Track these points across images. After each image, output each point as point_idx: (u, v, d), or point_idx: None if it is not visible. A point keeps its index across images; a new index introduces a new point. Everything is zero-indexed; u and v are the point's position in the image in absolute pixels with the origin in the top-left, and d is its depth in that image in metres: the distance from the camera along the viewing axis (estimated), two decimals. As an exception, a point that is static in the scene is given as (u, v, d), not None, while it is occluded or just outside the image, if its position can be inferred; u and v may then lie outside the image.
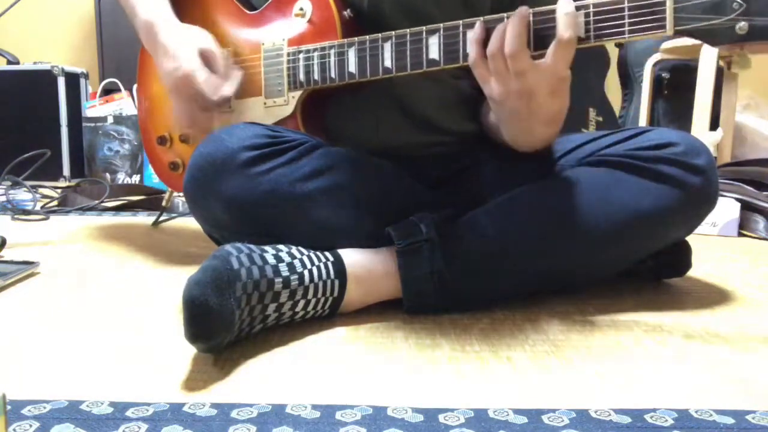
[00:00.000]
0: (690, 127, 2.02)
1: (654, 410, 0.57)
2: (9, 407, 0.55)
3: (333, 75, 0.92)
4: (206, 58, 0.95)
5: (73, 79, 2.34)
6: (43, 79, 2.27)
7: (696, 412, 0.57)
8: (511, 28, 0.75)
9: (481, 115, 1.03)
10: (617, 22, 0.74)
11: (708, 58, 1.95)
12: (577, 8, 0.75)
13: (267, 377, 0.64)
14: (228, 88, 0.95)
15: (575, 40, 0.75)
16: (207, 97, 0.93)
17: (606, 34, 0.75)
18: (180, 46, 0.94)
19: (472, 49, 0.79)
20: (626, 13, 0.74)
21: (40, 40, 2.75)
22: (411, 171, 0.95)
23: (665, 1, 0.72)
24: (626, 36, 0.74)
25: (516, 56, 0.75)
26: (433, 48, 0.84)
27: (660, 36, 0.74)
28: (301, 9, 0.95)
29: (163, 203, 1.36)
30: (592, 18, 0.75)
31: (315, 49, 0.93)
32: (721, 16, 0.70)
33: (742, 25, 0.69)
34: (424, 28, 0.84)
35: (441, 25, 0.83)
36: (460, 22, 0.82)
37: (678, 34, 0.73)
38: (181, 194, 1.43)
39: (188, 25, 0.98)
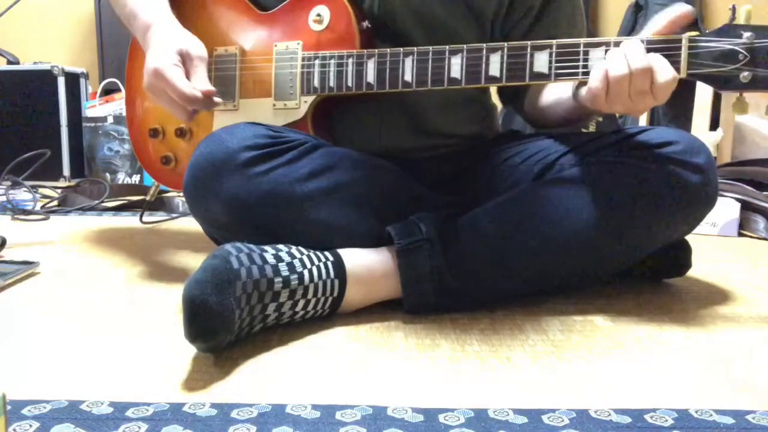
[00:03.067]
0: (690, 127, 2.02)
1: (654, 410, 0.57)
2: (9, 407, 0.55)
3: (350, 84, 0.92)
4: (184, 59, 0.90)
5: (73, 79, 2.34)
6: (43, 79, 2.26)
7: (696, 412, 0.57)
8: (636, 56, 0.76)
9: (525, 102, 1.05)
10: None
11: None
12: (593, 45, 0.79)
13: (267, 377, 0.64)
14: (194, 94, 0.86)
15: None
16: (175, 93, 0.87)
17: None
18: (162, 43, 0.91)
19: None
20: None
21: (40, 40, 2.75)
22: (411, 171, 0.95)
23: (681, 46, 0.77)
24: None
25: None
26: (455, 68, 0.86)
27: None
28: (319, 15, 0.95)
29: (147, 197, 1.32)
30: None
31: (332, 57, 0.93)
32: (729, 64, 0.76)
33: (746, 75, 0.76)
34: (447, 47, 0.86)
35: (464, 46, 0.86)
36: (484, 45, 0.84)
37: (690, 77, 0.78)
38: (171, 190, 1.42)
39: (183, 29, 0.94)
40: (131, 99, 1.17)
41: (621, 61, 0.76)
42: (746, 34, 0.75)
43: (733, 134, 2.04)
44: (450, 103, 1.01)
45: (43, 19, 2.75)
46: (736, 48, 0.76)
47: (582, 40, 0.81)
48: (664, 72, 0.75)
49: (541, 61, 0.83)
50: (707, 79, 0.78)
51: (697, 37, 0.77)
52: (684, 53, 0.77)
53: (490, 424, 0.54)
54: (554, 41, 0.82)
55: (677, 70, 0.77)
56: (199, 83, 0.88)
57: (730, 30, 0.76)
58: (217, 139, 0.84)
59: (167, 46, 0.90)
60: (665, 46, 0.77)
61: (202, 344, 0.66)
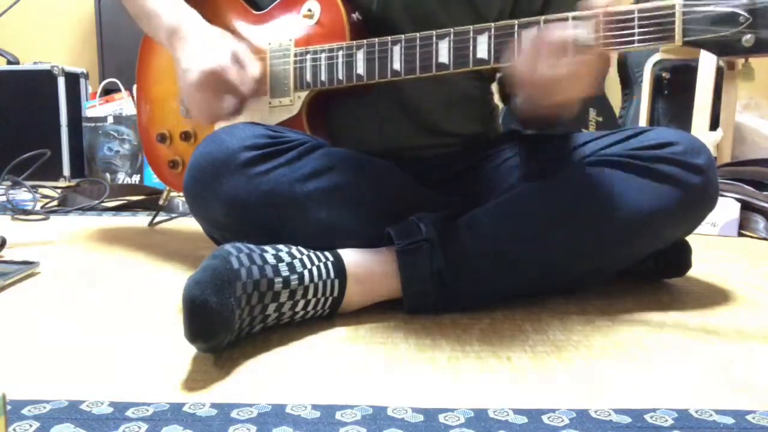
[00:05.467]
0: (690, 127, 2.02)
1: (654, 410, 0.57)
2: (9, 407, 0.55)
3: (340, 76, 0.92)
4: (236, 58, 0.91)
5: (73, 79, 2.34)
6: (43, 79, 2.27)
7: (696, 412, 0.57)
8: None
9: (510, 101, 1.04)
10: (627, 32, 0.75)
11: (708, 58, 1.95)
12: (589, 17, 0.76)
13: (267, 377, 0.64)
14: (256, 83, 0.92)
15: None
16: (238, 90, 0.90)
17: (615, 43, 0.76)
18: (212, 45, 0.91)
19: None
20: (636, 23, 0.74)
21: (40, 40, 2.75)
22: (412, 171, 0.95)
23: (674, 13, 0.73)
24: (635, 45, 0.75)
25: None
26: (443, 52, 0.85)
27: (669, 46, 0.76)
28: (310, 10, 0.95)
29: (160, 202, 1.35)
30: (602, 27, 0.76)
31: (323, 50, 0.93)
32: (729, 28, 0.71)
33: (748, 38, 0.70)
34: (434, 32, 0.85)
35: (451, 29, 0.84)
36: (470, 27, 0.83)
37: (686, 44, 0.74)
38: (180, 193, 1.43)
39: (219, 29, 0.95)
40: (141, 103, 1.17)
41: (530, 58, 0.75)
42: None
43: (733, 134, 2.04)
44: (450, 100, 1.01)
45: (43, 19, 2.75)
46: (736, 10, 0.70)
47: (571, 14, 0.78)
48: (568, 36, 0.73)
49: None
50: (706, 45, 0.73)
51: (692, 1, 0.73)
52: (678, 19, 0.73)
53: (490, 424, 0.54)
54: (542, 17, 0.79)
55: (671, 38, 0.73)
56: (256, 83, 0.92)
57: None
58: (216, 139, 0.84)
59: (220, 46, 0.91)
60: (657, 14, 0.73)
61: (202, 344, 0.66)
